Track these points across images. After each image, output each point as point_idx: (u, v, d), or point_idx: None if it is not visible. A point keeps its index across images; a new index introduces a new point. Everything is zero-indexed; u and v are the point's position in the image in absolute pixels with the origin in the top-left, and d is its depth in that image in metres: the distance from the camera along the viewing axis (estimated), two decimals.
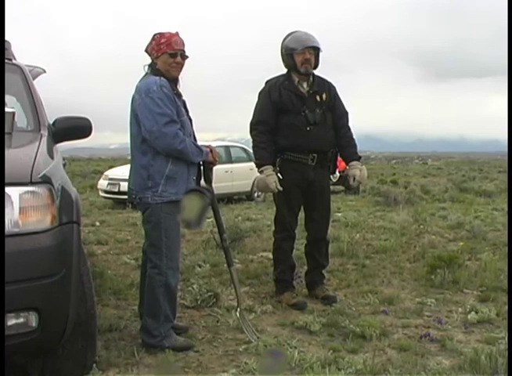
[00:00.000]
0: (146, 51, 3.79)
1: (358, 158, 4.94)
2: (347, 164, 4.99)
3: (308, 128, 4.72)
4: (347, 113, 5.02)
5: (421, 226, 9.17)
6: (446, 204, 14.05)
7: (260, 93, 4.90)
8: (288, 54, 4.74)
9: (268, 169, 4.68)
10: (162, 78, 3.65)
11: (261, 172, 4.74)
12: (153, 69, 3.74)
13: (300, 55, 4.70)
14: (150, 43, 3.74)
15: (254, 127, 4.79)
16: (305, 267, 5.18)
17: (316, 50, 4.76)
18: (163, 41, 3.72)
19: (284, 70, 4.89)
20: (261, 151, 4.75)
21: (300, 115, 4.73)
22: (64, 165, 3.69)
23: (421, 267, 5.99)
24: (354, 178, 4.86)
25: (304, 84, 4.82)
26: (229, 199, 14.05)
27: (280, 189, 4.67)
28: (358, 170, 4.85)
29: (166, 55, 3.71)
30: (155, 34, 3.76)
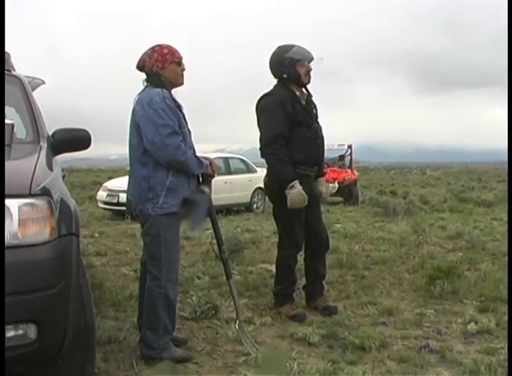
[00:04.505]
0: (141, 67, 3.80)
1: (323, 175, 5.12)
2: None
3: (318, 141, 4.81)
4: None
5: (420, 237, 9.16)
6: (445, 214, 14.06)
7: (267, 106, 4.73)
8: (292, 65, 4.73)
9: (298, 183, 4.56)
10: (164, 90, 3.67)
11: (291, 188, 4.55)
12: (155, 81, 3.74)
13: (304, 67, 4.74)
14: (150, 57, 3.75)
15: (274, 140, 4.62)
16: (304, 278, 5.17)
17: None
18: (165, 51, 3.76)
19: (274, 81, 4.88)
20: (286, 165, 4.61)
21: (310, 128, 4.77)
22: (63, 177, 3.69)
23: (420, 278, 5.98)
24: (320, 195, 5.01)
25: (301, 98, 4.83)
26: (228, 210, 14.05)
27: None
28: (323, 187, 5.04)
29: (174, 64, 3.77)
30: (154, 47, 3.79)
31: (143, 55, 3.79)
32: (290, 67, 4.75)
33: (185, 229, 3.79)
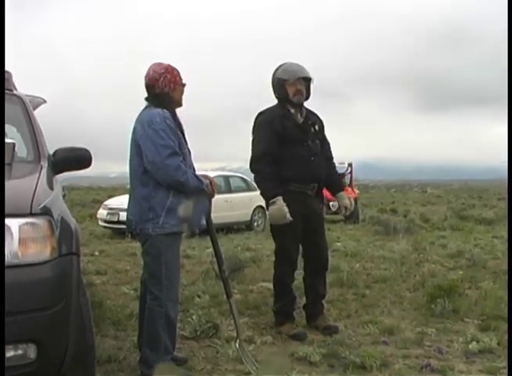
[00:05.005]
0: (151, 85, 3.77)
1: (343, 188, 5.29)
2: (333, 194, 5.17)
3: (312, 158, 4.77)
4: (330, 144, 5.16)
5: (421, 255, 9.14)
6: (446, 232, 14.05)
7: (258, 125, 4.86)
8: (280, 85, 4.79)
9: (281, 200, 4.60)
10: (165, 110, 3.68)
11: (272, 204, 4.62)
12: (160, 101, 3.74)
13: (292, 86, 4.75)
14: (162, 77, 3.73)
15: (260, 159, 4.73)
16: (304, 297, 5.15)
17: (308, 81, 4.82)
18: (176, 72, 3.80)
19: (274, 101, 4.93)
20: (270, 182, 4.69)
21: (304, 145, 4.76)
22: (64, 196, 3.70)
23: (421, 296, 5.97)
24: (346, 208, 5.07)
25: (299, 116, 4.86)
26: (229, 229, 14.03)
27: (291, 219, 4.62)
28: (347, 199, 5.09)
29: (182, 86, 3.82)
30: (162, 66, 3.78)
31: (153, 73, 3.76)
32: (279, 87, 4.82)
33: (184, 230, 3.74)
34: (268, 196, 4.69)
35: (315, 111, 5.05)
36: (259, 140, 4.80)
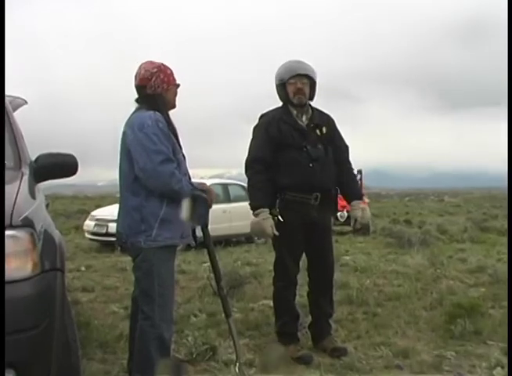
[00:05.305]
0: (142, 86, 3.77)
1: (361, 197, 5.08)
2: (348, 202, 5.05)
3: (310, 165, 4.73)
4: (347, 147, 5.10)
5: (438, 270, 9.15)
6: (466, 245, 14.05)
7: (255, 128, 4.91)
8: (280, 84, 4.81)
9: (265, 212, 4.63)
10: (157, 112, 3.67)
11: (256, 215, 4.67)
12: (153, 103, 3.74)
13: (291, 85, 4.75)
14: (154, 76, 3.73)
15: (251, 165, 4.79)
16: (309, 316, 5.14)
17: (310, 79, 4.79)
18: (169, 72, 3.81)
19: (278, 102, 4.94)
20: (256, 192, 4.73)
21: (301, 151, 4.73)
22: (47, 206, 3.70)
23: (439, 316, 5.95)
24: (356, 220, 4.94)
25: (303, 118, 4.86)
26: (227, 241, 14.04)
27: (277, 233, 4.63)
28: (359, 210, 4.94)
29: (176, 86, 3.84)
30: (155, 64, 3.78)
31: (145, 72, 3.75)
32: (280, 88, 4.84)
33: (187, 220, 3.71)
34: (252, 206, 4.73)
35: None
36: (253, 145, 4.84)
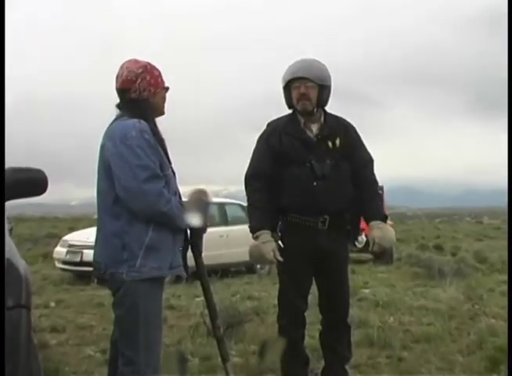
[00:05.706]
0: (125, 89, 3.73)
1: (383, 218, 4.92)
2: (367, 223, 4.92)
3: (314, 183, 4.68)
4: (371, 160, 5.03)
5: (476, 306, 9.13)
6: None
7: (258, 138, 4.93)
8: (285, 88, 4.80)
9: (265, 235, 4.64)
10: (142, 121, 3.62)
11: (255, 238, 4.68)
12: (137, 109, 3.70)
13: (295, 89, 4.71)
14: (139, 77, 3.70)
15: (250, 182, 4.83)
16: (322, 361, 5.13)
17: (312, 81, 4.66)
18: (157, 73, 3.79)
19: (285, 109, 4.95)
20: (255, 212, 4.75)
21: (304, 166, 4.69)
22: (10, 230, 3.70)
23: (478, 361, 5.94)
24: (374, 242, 4.79)
25: (314, 127, 4.81)
26: (225, 271, 14.02)
27: (280, 259, 4.62)
28: (378, 230, 4.78)
29: (164, 90, 3.83)
30: (145, 66, 3.74)
31: (128, 73, 3.71)
32: (284, 94, 4.83)
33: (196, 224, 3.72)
34: (251, 228, 4.76)
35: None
36: (253, 158, 4.88)
